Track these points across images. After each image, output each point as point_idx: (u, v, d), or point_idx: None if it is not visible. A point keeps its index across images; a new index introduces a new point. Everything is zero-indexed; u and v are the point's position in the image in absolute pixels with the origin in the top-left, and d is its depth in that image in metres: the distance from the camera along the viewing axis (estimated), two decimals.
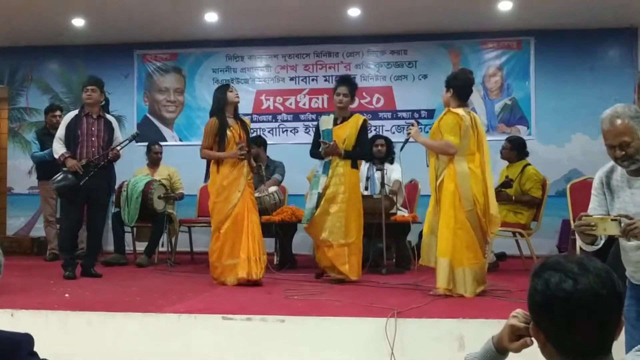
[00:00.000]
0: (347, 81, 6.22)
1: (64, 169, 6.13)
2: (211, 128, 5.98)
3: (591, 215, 2.88)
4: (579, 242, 3.12)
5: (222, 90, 6.12)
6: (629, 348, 2.02)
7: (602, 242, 2.96)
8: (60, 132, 6.29)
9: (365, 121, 6.10)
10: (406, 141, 5.61)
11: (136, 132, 7.12)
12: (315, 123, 8.48)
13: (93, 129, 6.26)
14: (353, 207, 5.93)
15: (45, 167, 7.49)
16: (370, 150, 7.37)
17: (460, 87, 5.26)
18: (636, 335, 2.90)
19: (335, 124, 6.09)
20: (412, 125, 5.42)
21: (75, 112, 6.38)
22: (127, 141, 6.52)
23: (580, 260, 1.53)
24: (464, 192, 5.01)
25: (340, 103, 6.05)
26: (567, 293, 1.48)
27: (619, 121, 2.90)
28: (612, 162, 3.05)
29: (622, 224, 2.76)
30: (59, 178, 6.09)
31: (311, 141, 6.40)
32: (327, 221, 5.90)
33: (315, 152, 6.15)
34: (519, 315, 1.75)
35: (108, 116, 6.47)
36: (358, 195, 6.07)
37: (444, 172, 5.11)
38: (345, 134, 5.98)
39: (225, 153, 5.92)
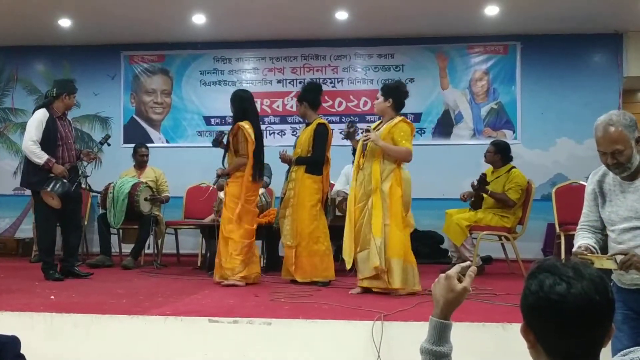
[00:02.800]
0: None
1: (51, 175, 6.00)
2: None
3: (586, 254, 2.92)
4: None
5: None
6: (615, 352, 2.04)
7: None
8: (37, 133, 6.01)
9: (319, 125, 6.12)
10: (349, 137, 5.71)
11: (107, 135, 6.90)
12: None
13: (67, 131, 6.23)
14: (302, 211, 5.99)
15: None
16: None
17: (399, 100, 5.40)
18: (622, 338, 2.92)
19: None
20: (368, 130, 5.37)
21: (46, 113, 6.11)
22: (100, 144, 6.67)
23: (576, 265, 1.55)
24: (406, 198, 5.28)
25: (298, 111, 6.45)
26: (559, 296, 1.49)
27: (612, 129, 2.89)
28: (604, 166, 3.07)
29: (618, 261, 2.83)
30: (57, 185, 5.93)
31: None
32: (284, 224, 6.13)
33: None
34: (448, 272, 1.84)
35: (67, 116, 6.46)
36: (311, 199, 6.01)
37: (390, 177, 5.21)
38: (302, 139, 6.16)
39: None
